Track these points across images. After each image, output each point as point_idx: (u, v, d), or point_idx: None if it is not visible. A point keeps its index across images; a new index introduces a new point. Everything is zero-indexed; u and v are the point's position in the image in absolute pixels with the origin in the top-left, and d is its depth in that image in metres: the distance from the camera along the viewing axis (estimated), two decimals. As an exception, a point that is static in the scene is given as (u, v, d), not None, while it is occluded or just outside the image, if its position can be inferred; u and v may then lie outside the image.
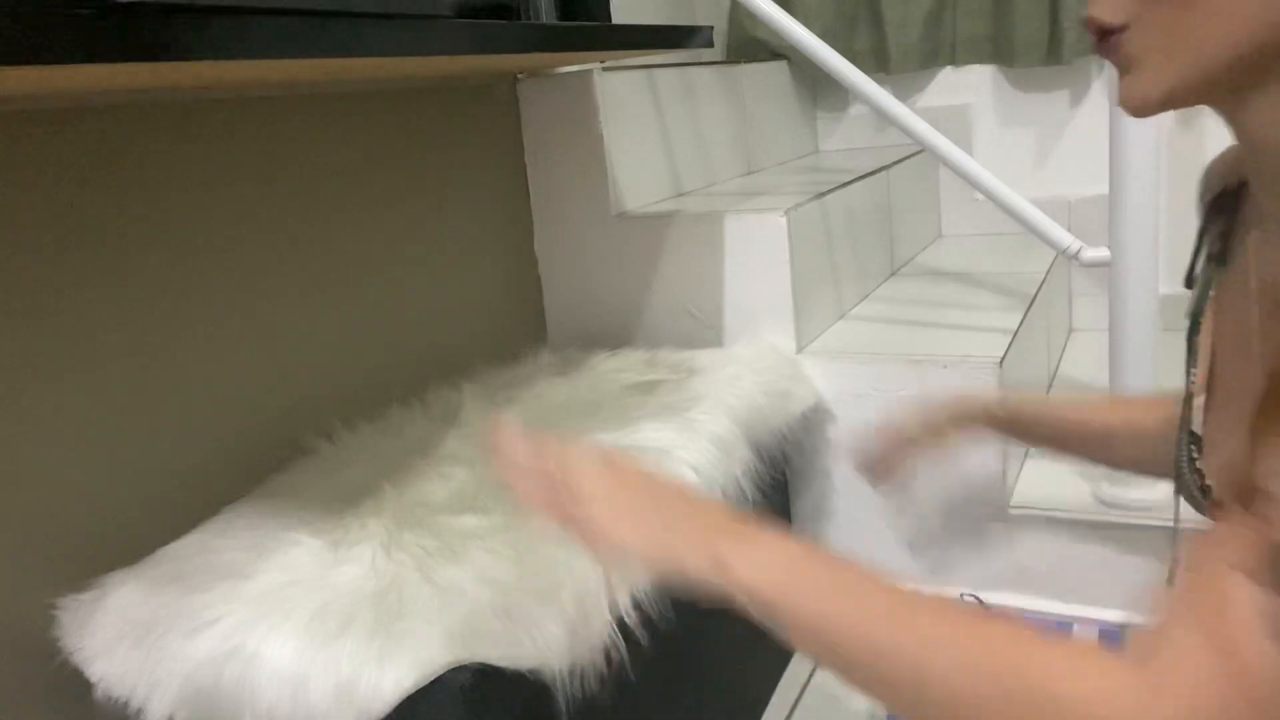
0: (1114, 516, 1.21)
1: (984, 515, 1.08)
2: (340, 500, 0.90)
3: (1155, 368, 1.20)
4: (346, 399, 1.13)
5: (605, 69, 1.42)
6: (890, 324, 1.48)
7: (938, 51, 2.04)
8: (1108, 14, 0.49)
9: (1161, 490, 0.78)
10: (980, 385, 0.96)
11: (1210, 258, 0.65)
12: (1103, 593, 1.21)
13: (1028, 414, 0.92)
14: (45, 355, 0.85)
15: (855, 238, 1.57)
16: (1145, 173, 1.16)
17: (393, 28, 0.81)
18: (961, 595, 1.06)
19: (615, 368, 1.27)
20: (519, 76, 1.43)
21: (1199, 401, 0.62)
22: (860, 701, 1.21)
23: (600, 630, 0.79)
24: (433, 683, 0.69)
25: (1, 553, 0.82)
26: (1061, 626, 1.03)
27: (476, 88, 1.37)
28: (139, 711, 0.74)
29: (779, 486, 1.29)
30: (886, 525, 1.27)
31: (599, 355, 1.31)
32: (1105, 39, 0.50)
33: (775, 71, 2.02)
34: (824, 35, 1.41)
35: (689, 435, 1.03)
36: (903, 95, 2.06)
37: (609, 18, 1.41)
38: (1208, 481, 0.58)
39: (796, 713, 1.21)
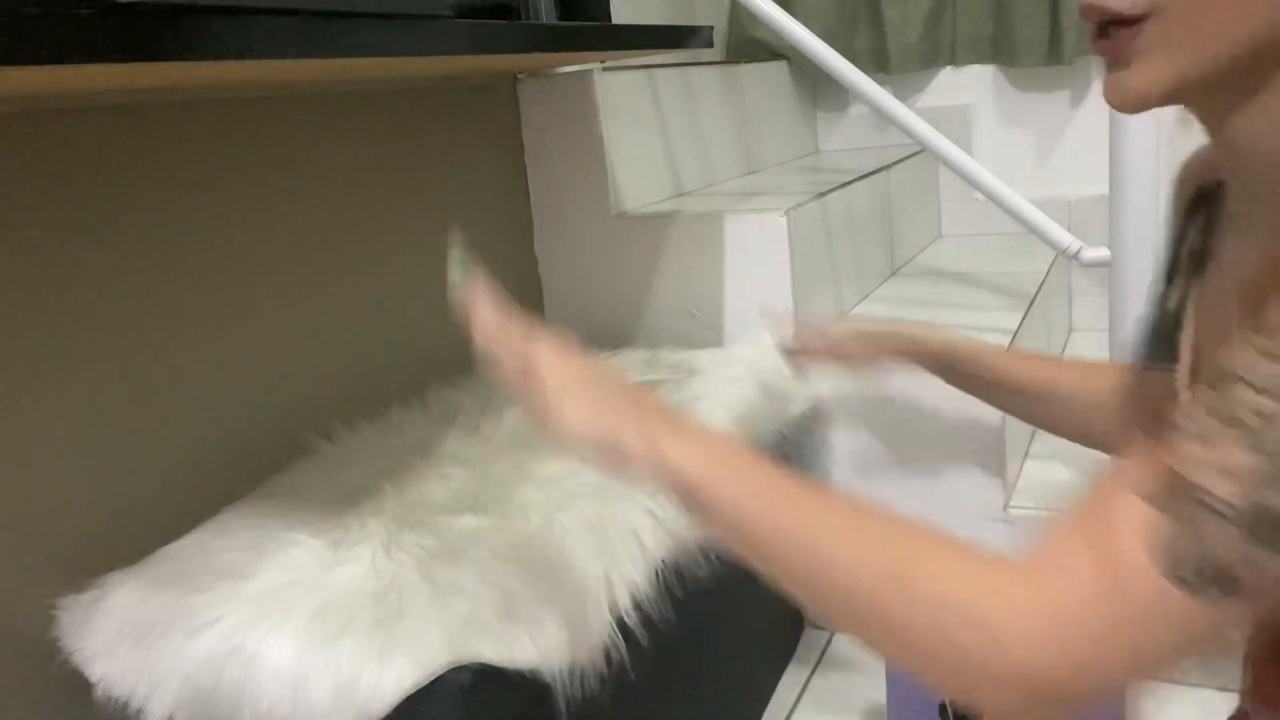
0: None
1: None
2: (340, 500, 0.90)
3: (1155, 368, 1.19)
4: (346, 399, 1.13)
5: (605, 69, 1.42)
6: (890, 324, 1.47)
7: (938, 51, 2.04)
8: (1126, 4, 0.49)
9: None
10: (929, 323, 0.99)
11: (1190, 256, 0.66)
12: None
13: (965, 358, 0.94)
14: (45, 355, 0.85)
15: (855, 238, 1.57)
16: (1145, 173, 1.16)
17: (393, 28, 0.81)
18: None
19: (615, 368, 1.27)
20: (519, 76, 1.43)
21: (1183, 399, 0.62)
22: (860, 702, 1.21)
23: (600, 630, 0.79)
24: (433, 683, 0.69)
25: (1, 553, 0.82)
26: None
27: (476, 88, 1.37)
28: (139, 711, 0.74)
29: (779, 486, 1.29)
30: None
31: (599, 355, 1.31)
32: (1114, 29, 0.50)
33: (775, 71, 2.02)
34: (824, 35, 1.42)
35: (689, 435, 1.03)
36: (903, 95, 2.06)
37: (609, 18, 1.42)
38: None
39: (796, 713, 1.21)
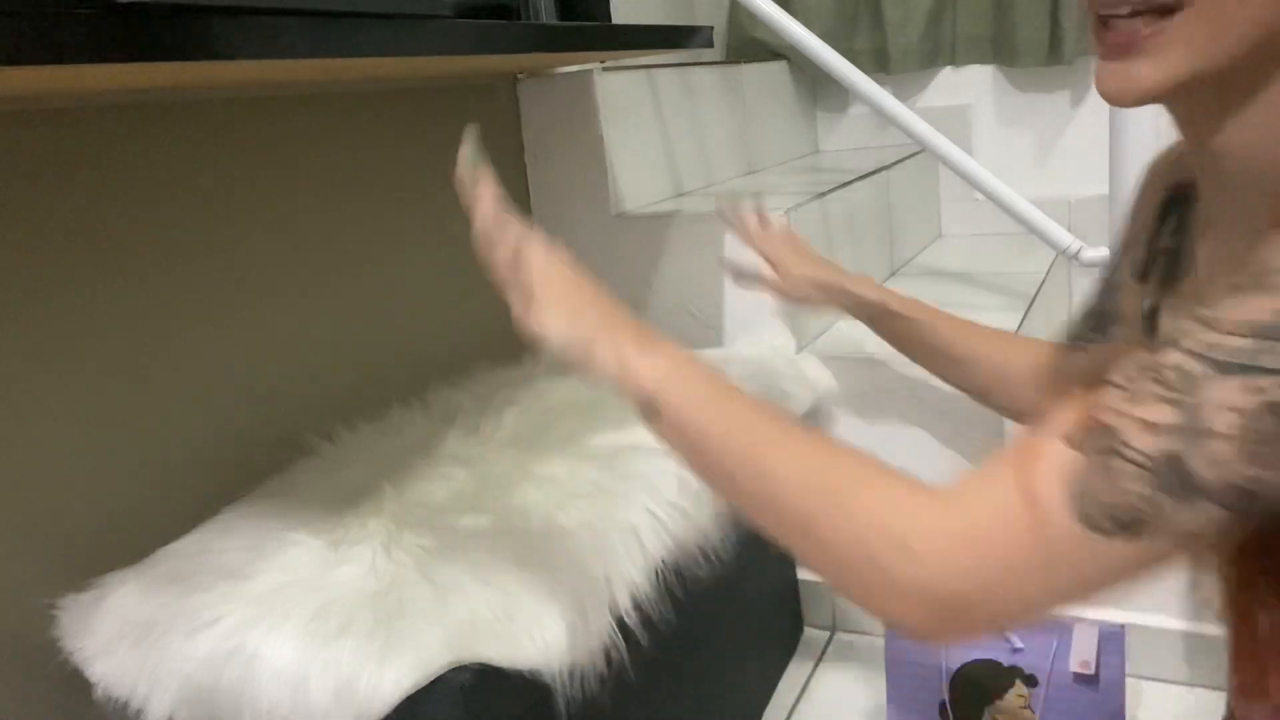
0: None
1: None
2: (340, 500, 0.90)
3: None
4: (346, 399, 1.13)
5: (605, 69, 1.42)
6: (890, 324, 1.47)
7: (938, 51, 2.04)
8: None
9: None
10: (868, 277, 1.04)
11: (1163, 257, 0.66)
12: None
13: (897, 312, 1.00)
14: (45, 355, 0.85)
15: (855, 238, 1.57)
16: (1145, 173, 1.16)
17: (393, 28, 0.81)
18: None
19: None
20: (519, 76, 1.43)
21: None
22: (860, 702, 1.21)
23: (600, 630, 0.79)
24: (433, 683, 0.69)
25: (1, 553, 0.82)
26: (1061, 627, 1.03)
27: (476, 88, 1.37)
28: (139, 711, 0.74)
29: (779, 486, 1.29)
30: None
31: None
32: (1128, 20, 0.49)
33: (775, 71, 2.02)
34: (824, 35, 1.41)
35: (689, 435, 1.03)
36: (903, 95, 2.06)
37: (609, 18, 1.42)
38: None
39: (796, 713, 1.21)
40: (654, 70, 1.53)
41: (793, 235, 1.13)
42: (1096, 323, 0.79)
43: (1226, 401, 0.42)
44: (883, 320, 1.01)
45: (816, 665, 1.29)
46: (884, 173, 1.74)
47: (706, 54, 1.93)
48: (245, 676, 0.71)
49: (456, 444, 1.03)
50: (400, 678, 0.68)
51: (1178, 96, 0.51)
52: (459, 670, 0.70)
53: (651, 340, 0.63)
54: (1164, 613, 1.16)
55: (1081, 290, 1.99)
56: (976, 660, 1.06)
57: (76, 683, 0.77)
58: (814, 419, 1.28)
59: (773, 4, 1.34)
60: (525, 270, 0.65)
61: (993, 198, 1.35)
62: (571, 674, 0.75)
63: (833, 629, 1.36)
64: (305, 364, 1.10)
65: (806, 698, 1.23)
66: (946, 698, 1.08)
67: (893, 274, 1.76)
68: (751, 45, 2.09)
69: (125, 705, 0.74)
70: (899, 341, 1.02)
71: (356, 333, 1.17)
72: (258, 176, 1.04)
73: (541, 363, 1.30)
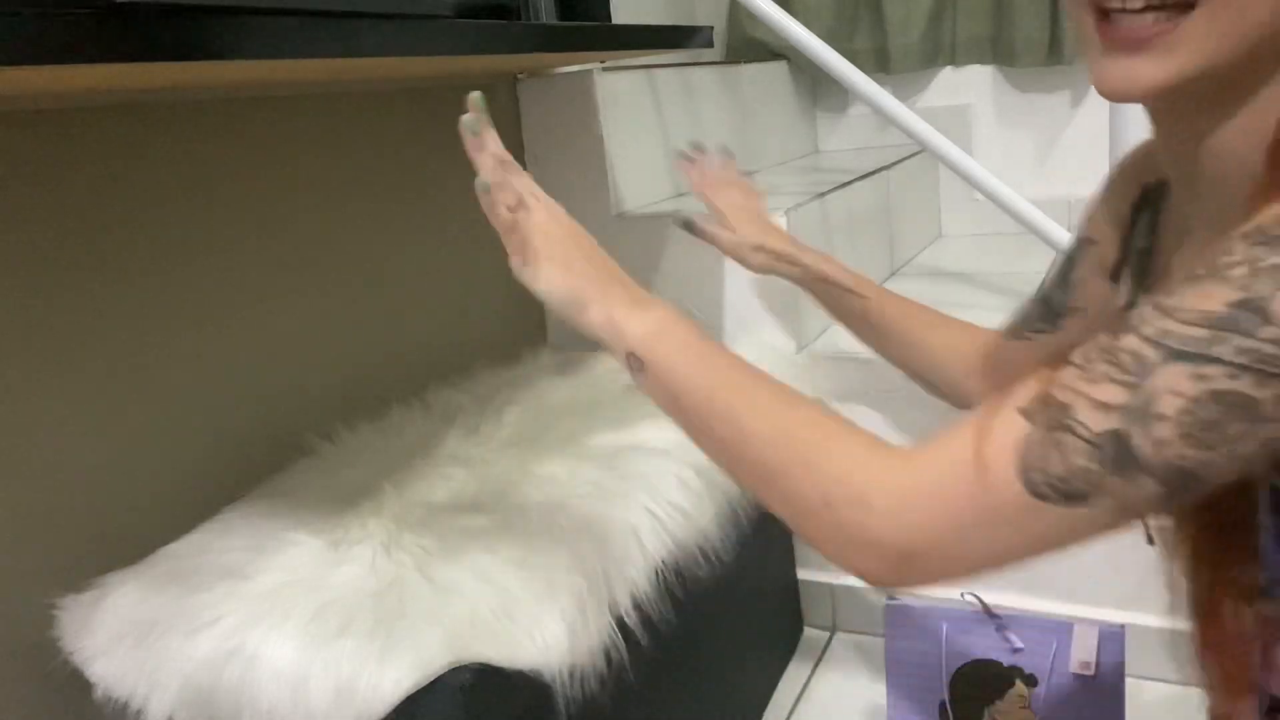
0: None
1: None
2: (340, 500, 0.90)
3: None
4: (346, 399, 1.13)
5: (605, 69, 1.42)
6: (890, 324, 1.47)
7: (938, 51, 2.04)
8: None
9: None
10: (824, 253, 1.02)
11: (1137, 255, 0.66)
12: (1103, 593, 1.21)
13: (845, 287, 1.00)
14: (45, 355, 0.85)
15: (855, 238, 1.57)
16: (1145, 173, 1.16)
17: (393, 28, 0.81)
18: (963, 595, 1.06)
19: (615, 368, 1.26)
20: (519, 76, 1.43)
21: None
22: (860, 702, 1.21)
23: (600, 630, 0.79)
24: (433, 683, 0.69)
25: (2, 553, 0.82)
26: (1061, 627, 1.03)
27: (476, 88, 1.37)
28: (139, 711, 0.74)
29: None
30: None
31: (599, 355, 1.31)
32: (1137, 16, 0.49)
33: (775, 71, 2.02)
34: (824, 35, 1.42)
35: (689, 435, 1.03)
36: (903, 95, 2.06)
37: (609, 18, 1.42)
38: None
39: (796, 713, 1.21)
40: (654, 70, 1.53)
41: (751, 195, 1.10)
42: (1046, 312, 0.80)
43: (1174, 387, 0.44)
44: (830, 295, 1.01)
45: (816, 665, 1.29)
46: (884, 173, 1.74)
47: (706, 54, 1.93)
48: (245, 677, 0.71)
49: (456, 444, 1.03)
50: (400, 678, 0.68)
51: (1172, 95, 0.51)
52: (459, 670, 0.70)
53: (643, 298, 0.65)
54: (1164, 613, 1.16)
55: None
56: (976, 660, 1.07)
57: (76, 683, 0.77)
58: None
59: (773, 4, 1.34)
60: (525, 221, 0.67)
61: (993, 198, 1.35)
62: (571, 674, 0.75)
63: (833, 629, 1.36)
64: (305, 364, 1.10)
65: (806, 698, 1.24)
66: (946, 698, 1.08)
67: (893, 274, 1.76)
68: (751, 45, 2.09)
69: (125, 705, 0.74)
70: (845, 318, 1.00)
71: (356, 333, 1.17)
72: (257, 176, 1.04)
73: (541, 363, 1.30)
